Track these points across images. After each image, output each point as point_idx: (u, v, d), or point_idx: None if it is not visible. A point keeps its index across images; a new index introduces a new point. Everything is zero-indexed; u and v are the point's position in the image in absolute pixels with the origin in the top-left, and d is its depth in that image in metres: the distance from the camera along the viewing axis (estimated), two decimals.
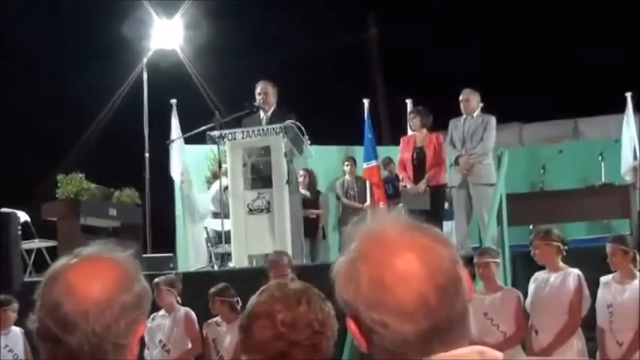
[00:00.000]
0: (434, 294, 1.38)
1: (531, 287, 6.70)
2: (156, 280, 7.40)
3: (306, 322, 2.25)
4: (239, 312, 6.55)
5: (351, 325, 1.44)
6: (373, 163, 12.76)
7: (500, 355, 1.42)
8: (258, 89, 9.83)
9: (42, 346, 1.72)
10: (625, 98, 12.42)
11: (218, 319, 7.37)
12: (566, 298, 6.48)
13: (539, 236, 6.64)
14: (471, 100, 9.73)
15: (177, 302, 7.57)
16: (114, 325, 1.68)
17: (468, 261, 6.53)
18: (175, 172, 12.27)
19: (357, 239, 1.46)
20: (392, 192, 12.42)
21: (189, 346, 7.51)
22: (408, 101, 13.40)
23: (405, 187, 10.28)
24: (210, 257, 11.07)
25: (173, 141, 11.90)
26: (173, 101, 12.48)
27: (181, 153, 12.24)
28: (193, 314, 7.54)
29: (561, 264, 6.62)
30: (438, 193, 10.13)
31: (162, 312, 7.53)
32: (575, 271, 6.55)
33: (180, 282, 7.67)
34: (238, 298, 7.09)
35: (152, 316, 7.40)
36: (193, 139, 11.34)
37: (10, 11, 15.30)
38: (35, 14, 15.66)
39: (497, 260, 6.88)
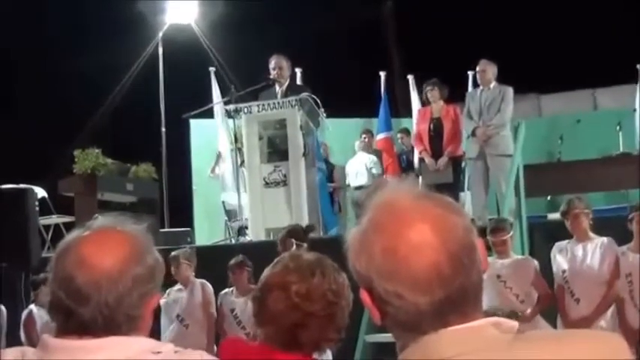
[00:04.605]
0: (448, 263, 1.35)
1: (560, 257, 6.69)
2: (174, 253, 7.40)
3: (321, 292, 2.24)
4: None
5: (364, 296, 1.41)
6: (385, 134, 12.95)
7: (515, 324, 1.40)
8: (272, 63, 9.76)
9: (55, 318, 1.72)
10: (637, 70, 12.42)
11: (231, 289, 7.37)
12: (605, 267, 6.51)
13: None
14: (487, 71, 9.64)
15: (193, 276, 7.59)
16: (126, 297, 1.68)
17: (486, 232, 6.54)
18: (223, 143, 11.91)
19: (369, 210, 1.44)
20: (406, 165, 12.42)
21: (207, 319, 7.51)
22: (410, 77, 13.37)
23: (423, 160, 10.22)
24: (228, 231, 11.06)
25: (191, 115, 11.85)
26: (212, 69, 12.45)
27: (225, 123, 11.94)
28: (210, 286, 7.53)
29: (591, 233, 6.66)
30: (455, 164, 10.09)
31: (177, 287, 7.52)
32: (610, 240, 6.57)
33: (195, 256, 7.71)
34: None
35: (167, 291, 7.40)
36: (210, 113, 11.29)
37: None
38: None
39: (512, 233, 6.89)
